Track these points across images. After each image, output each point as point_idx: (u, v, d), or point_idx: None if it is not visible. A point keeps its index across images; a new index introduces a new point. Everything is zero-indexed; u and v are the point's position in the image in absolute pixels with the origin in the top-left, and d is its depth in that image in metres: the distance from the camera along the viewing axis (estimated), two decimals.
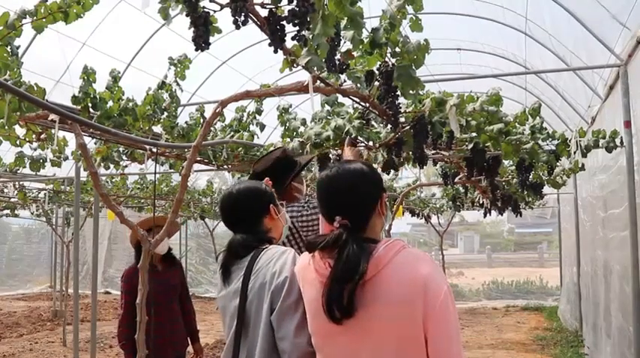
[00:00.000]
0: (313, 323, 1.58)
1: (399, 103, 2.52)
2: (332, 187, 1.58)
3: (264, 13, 1.80)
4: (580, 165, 4.97)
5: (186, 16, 1.72)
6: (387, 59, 2.33)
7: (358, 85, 2.46)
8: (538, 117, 3.95)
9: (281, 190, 2.83)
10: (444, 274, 1.52)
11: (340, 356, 1.52)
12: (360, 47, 2.21)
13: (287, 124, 4.24)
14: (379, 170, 3.91)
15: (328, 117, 3.61)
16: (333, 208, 1.54)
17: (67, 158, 4.48)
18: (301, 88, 2.43)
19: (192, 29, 1.73)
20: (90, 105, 3.41)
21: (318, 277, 1.52)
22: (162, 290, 3.64)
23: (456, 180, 5.53)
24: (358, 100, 2.85)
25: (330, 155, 3.83)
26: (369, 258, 1.44)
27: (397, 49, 2.31)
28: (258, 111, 4.79)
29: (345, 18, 1.92)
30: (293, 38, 1.81)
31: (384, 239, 1.52)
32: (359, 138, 3.42)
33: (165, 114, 4.02)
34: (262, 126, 4.79)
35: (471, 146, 3.73)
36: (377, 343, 1.44)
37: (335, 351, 1.53)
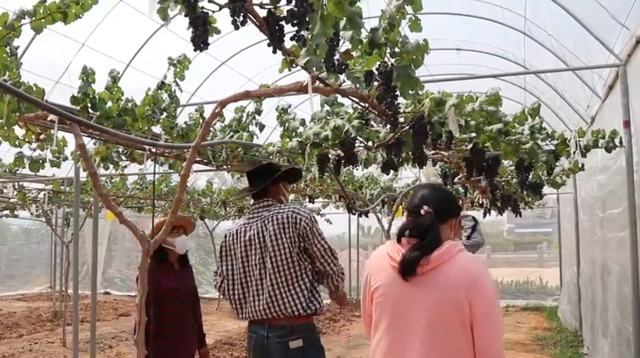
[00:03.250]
0: (380, 304, 2.03)
1: (399, 103, 2.52)
2: (428, 190, 2.14)
3: (262, 13, 1.80)
4: (579, 165, 4.97)
5: (185, 16, 1.72)
6: (386, 59, 2.33)
7: (357, 85, 2.46)
8: (537, 117, 3.95)
9: (267, 188, 3.09)
10: (491, 275, 1.99)
11: (402, 334, 1.95)
12: (359, 47, 2.21)
13: (286, 124, 4.24)
14: (379, 170, 3.93)
15: (327, 117, 3.61)
16: (424, 202, 2.03)
17: (66, 158, 4.48)
18: (300, 89, 2.43)
19: (191, 29, 1.73)
20: (89, 105, 3.40)
21: (389, 261, 2.00)
22: (182, 290, 3.65)
23: (456, 180, 5.54)
24: (357, 100, 2.85)
25: (330, 155, 3.83)
26: (438, 248, 1.93)
27: (396, 49, 2.31)
28: (258, 112, 4.79)
29: (344, 18, 1.92)
30: (292, 38, 1.81)
31: (448, 241, 1.98)
32: (358, 138, 3.42)
33: (165, 114, 4.01)
34: (262, 127, 4.79)
35: (470, 146, 3.73)
36: (434, 328, 1.89)
37: (396, 331, 1.97)
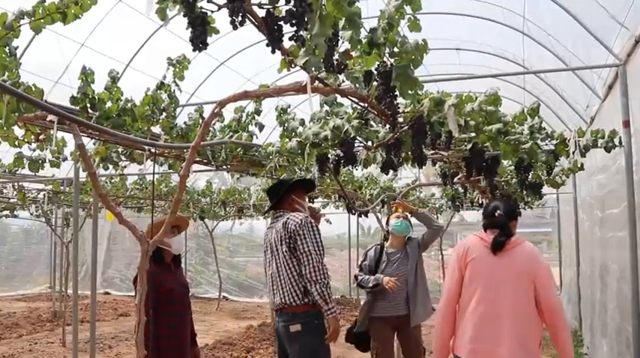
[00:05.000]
0: (474, 270, 3.08)
1: (398, 103, 2.53)
2: (498, 202, 3.34)
3: (261, 13, 1.80)
4: (579, 165, 4.97)
5: (184, 16, 1.72)
6: (385, 59, 2.33)
7: (356, 85, 2.46)
8: (537, 117, 3.95)
9: (281, 200, 3.65)
10: (543, 256, 3.26)
11: (490, 290, 3.02)
12: (359, 47, 2.21)
13: (286, 124, 4.23)
14: (378, 170, 3.94)
15: (327, 117, 3.61)
16: (497, 209, 3.18)
17: (65, 158, 4.48)
18: (299, 89, 2.43)
19: (190, 30, 1.73)
20: (89, 105, 3.41)
21: (482, 243, 3.11)
22: (183, 290, 3.63)
23: (455, 180, 5.54)
24: (357, 100, 2.85)
25: (329, 155, 3.83)
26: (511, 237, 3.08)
27: (395, 49, 2.31)
28: (257, 112, 4.79)
29: (343, 18, 1.92)
30: (291, 38, 1.81)
31: (518, 236, 3.14)
32: (357, 138, 3.42)
33: (164, 114, 4.01)
34: (261, 127, 4.78)
35: (469, 146, 3.73)
36: (507, 283, 3.00)
37: (487, 287, 3.03)
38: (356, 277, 4.76)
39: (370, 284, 4.55)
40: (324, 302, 3.30)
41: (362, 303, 4.87)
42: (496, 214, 3.14)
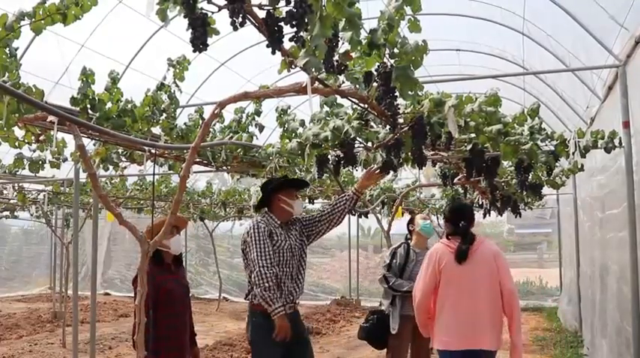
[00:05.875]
0: (447, 275, 3.59)
1: (398, 104, 2.52)
2: (460, 209, 3.84)
3: (261, 14, 1.80)
4: (579, 166, 4.97)
5: (184, 17, 1.72)
6: (385, 60, 2.32)
7: (357, 86, 2.46)
8: (537, 118, 3.95)
9: (266, 202, 3.80)
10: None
11: (464, 290, 3.54)
12: (359, 48, 2.21)
13: (286, 125, 4.23)
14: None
15: (327, 118, 3.61)
16: (460, 219, 3.67)
17: (66, 159, 4.47)
18: (299, 89, 2.43)
19: (191, 31, 1.73)
20: (89, 106, 3.41)
21: (449, 250, 3.61)
22: (184, 291, 3.63)
23: (455, 180, 5.53)
24: (357, 101, 2.85)
25: (329, 156, 3.83)
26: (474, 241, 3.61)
27: (395, 50, 2.31)
28: (257, 113, 4.79)
29: (343, 19, 1.92)
30: (291, 39, 1.81)
31: (477, 236, 3.68)
32: (357, 138, 3.42)
33: (164, 115, 4.02)
34: (261, 128, 4.79)
35: (469, 147, 3.72)
36: (479, 280, 3.53)
37: (460, 288, 3.55)
38: (386, 279, 4.74)
39: (404, 289, 4.62)
40: (267, 305, 3.48)
41: (383, 305, 4.86)
42: (460, 225, 3.61)
